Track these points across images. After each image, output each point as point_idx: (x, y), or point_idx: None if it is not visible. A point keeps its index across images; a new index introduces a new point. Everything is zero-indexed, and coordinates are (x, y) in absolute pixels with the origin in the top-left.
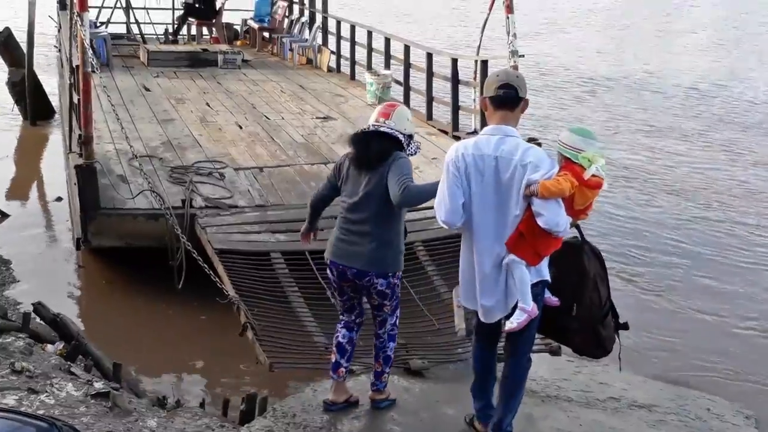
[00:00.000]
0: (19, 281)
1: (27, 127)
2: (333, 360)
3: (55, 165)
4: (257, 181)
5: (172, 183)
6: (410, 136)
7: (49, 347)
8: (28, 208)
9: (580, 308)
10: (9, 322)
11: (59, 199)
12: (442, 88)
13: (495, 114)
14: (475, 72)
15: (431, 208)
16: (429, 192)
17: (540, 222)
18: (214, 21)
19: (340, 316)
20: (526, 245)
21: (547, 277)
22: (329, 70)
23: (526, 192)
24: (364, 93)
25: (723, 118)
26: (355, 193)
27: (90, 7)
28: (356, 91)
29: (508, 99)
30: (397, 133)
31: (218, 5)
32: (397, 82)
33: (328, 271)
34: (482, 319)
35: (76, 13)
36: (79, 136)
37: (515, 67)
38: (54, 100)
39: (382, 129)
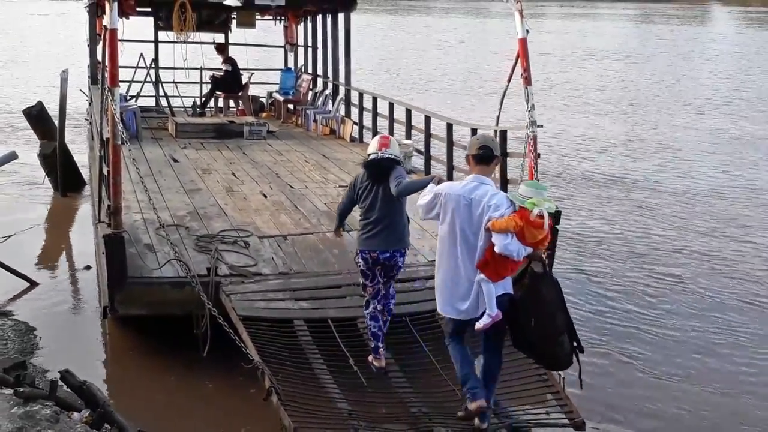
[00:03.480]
0: (47, 349)
1: (57, 198)
2: (373, 345)
3: (85, 234)
4: (281, 249)
5: (197, 252)
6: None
7: (75, 415)
8: (57, 277)
9: (537, 324)
10: (36, 390)
11: (88, 267)
12: (462, 157)
13: (476, 167)
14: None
15: None
16: (416, 186)
17: (495, 249)
18: (240, 94)
19: (366, 306)
20: (490, 267)
21: (511, 291)
22: (352, 140)
23: (485, 227)
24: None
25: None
26: (373, 199)
27: (120, 81)
28: None
29: (485, 157)
30: (395, 156)
31: (244, 79)
32: (418, 151)
33: (361, 261)
34: (458, 317)
35: (107, 88)
36: (108, 206)
37: (534, 137)
38: (84, 172)
39: (386, 156)
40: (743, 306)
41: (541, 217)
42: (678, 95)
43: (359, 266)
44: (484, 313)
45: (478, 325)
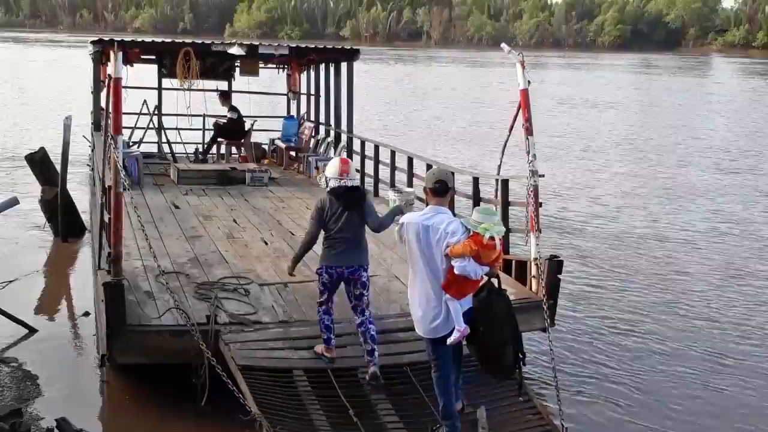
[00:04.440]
0: (43, 396)
1: (58, 244)
2: (325, 337)
3: (84, 281)
4: (281, 297)
5: (197, 299)
6: None
7: None
8: (55, 323)
9: (485, 333)
10: None
11: (87, 314)
12: (464, 206)
13: (433, 199)
14: (496, 190)
15: None
16: (389, 220)
17: (455, 270)
18: (242, 141)
19: (321, 307)
20: (453, 287)
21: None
22: None
23: (443, 252)
24: (387, 210)
25: None
26: (343, 224)
27: (123, 127)
28: (379, 207)
29: (441, 190)
30: (358, 182)
31: (247, 126)
32: (420, 199)
33: (325, 275)
34: (429, 336)
35: (110, 136)
36: (108, 254)
37: (536, 187)
38: (85, 218)
39: (350, 184)
40: (696, 351)
41: (493, 239)
42: (634, 143)
43: (321, 280)
44: (453, 329)
45: (450, 340)
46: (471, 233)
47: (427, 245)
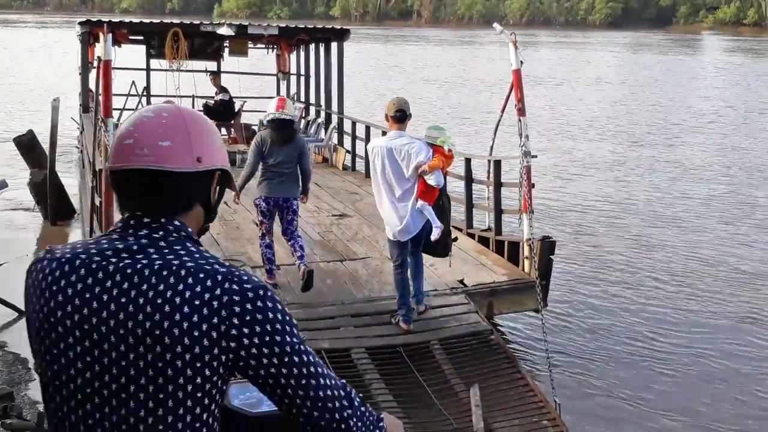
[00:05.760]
0: (35, 380)
1: (47, 227)
2: (267, 267)
3: None
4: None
5: None
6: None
7: None
8: None
9: (445, 226)
10: (24, 422)
11: None
12: (456, 187)
13: (394, 125)
14: (488, 171)
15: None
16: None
17: (431, 183)
18: (232, 122)
19: (262, 238)
20: (426, 195)
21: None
22: (344, 168)
23: (419, 170)
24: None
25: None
26: (277, 156)
27: (113, 108)
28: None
29: (401, 117)
30: (291, 116)
31: (237, 107)
32: None
33: (263, 204)
34: (400, 239)
35: (100, 119)
36: None
37: (528, 167)
38: (74, 200)
39: (284, 116)
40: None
41: (450, 150)
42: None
43: (260, 208)
44: (421, 231)
45: (433, 236)
46: (430, 150)
47: (392, 162)
